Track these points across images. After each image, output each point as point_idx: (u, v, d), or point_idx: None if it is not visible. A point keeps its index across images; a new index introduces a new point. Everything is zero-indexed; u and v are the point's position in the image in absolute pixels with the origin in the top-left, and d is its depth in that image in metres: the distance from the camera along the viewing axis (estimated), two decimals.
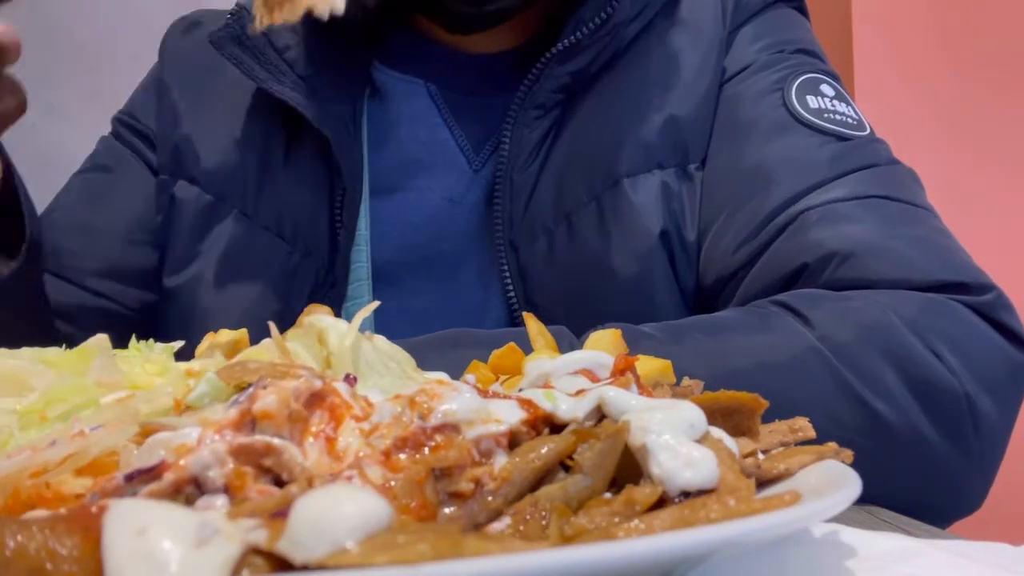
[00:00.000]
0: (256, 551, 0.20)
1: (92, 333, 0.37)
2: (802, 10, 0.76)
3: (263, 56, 0.68)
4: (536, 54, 0.67)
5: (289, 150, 0.70)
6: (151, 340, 0.39)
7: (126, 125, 0.78)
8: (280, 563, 0.20)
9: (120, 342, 0.40)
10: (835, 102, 0.66)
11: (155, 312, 0.73)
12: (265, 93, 0.69)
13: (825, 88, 0.67)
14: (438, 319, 0.66)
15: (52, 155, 0.95)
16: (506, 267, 0.66)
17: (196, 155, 0.71)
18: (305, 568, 0.19)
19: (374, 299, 0.67)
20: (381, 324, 0.65)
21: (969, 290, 0.54)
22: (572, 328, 0.56)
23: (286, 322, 0.66)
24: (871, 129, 0.66)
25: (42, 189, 0.94)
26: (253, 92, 0.72)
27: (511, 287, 0.65)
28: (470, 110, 0.71)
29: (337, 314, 0.65)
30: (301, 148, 0.69)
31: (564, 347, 0.52)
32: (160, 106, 0.76)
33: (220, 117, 0.72)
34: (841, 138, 0.63)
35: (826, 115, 0.65)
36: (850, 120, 0.65)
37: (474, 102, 0.71)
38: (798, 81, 0.67)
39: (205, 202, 0.70)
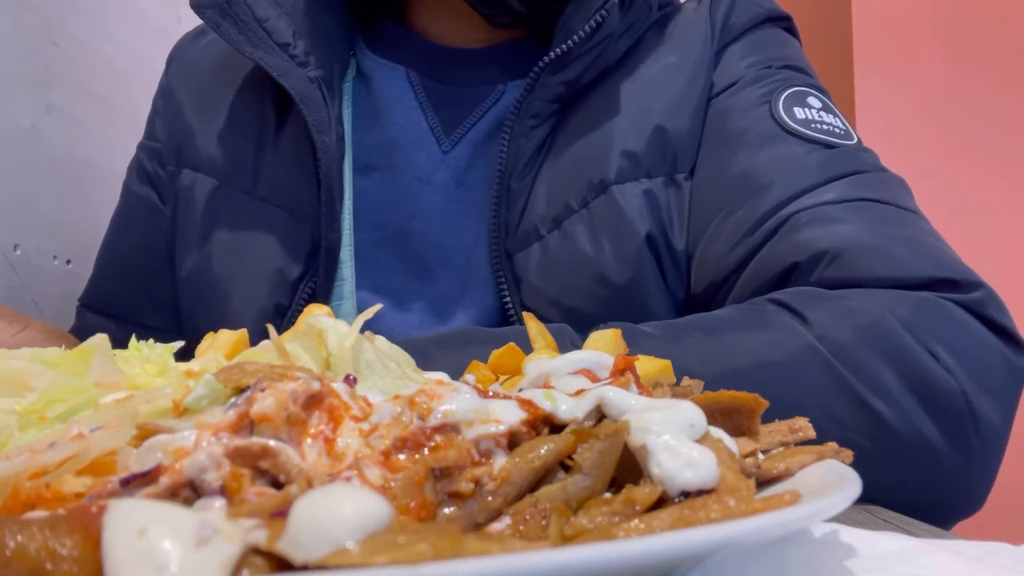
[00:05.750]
0: (256, 551, 0.20)
1: None
2: (791, 31, 0.78)
3: (242, 23, 0.70)
4: (511, 54, 0.73)
5: (279, 127, 0.73)
6: (151, 340, 0.39)
7: (147, 150, 0.81)
8: (280, 563, 0.20)
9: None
10: (822, 113, 0.68)
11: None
12: (255, 77, 0.73)
13: (812, 100, 0.69)
14: (415, 298, 0.70)
15: (52, 155, 0.94)
16: (502, 275, 0.68)
17: (197, 144, 0.75)
18: (305, 568, 0.19)
19: (355, 277, 0.70)
20: (362, 303, 0.69)
21: (959, 287, 0.55)
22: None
23: (286, 282, 0.68)
24: (859, 139, 0.67)
25: (42, 189, 0.94)
26: (245, 77, 0.76)
27: (507, 294, 0.67)
28: (444, 97, 0.75)
29: (332, 287, 0.69)
30: (288, 123, 0.72)
31: (566, 345, 0.52)
32: (166, 109, 0.80)
33: (218, 105, 0.76)
34: (828, 146, 0.65)
35: (813, 125, 0.66)
36: (837, 130, 0.67)
37: (448, 90, 0.75)
38: (785, 94, 0.69)
39: (210, 186, 0.74)
